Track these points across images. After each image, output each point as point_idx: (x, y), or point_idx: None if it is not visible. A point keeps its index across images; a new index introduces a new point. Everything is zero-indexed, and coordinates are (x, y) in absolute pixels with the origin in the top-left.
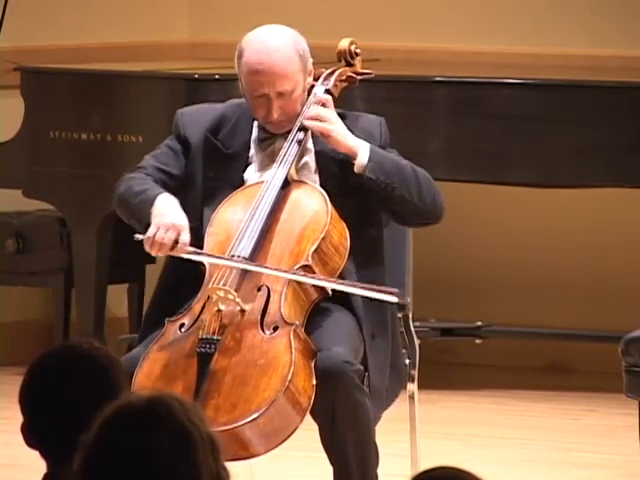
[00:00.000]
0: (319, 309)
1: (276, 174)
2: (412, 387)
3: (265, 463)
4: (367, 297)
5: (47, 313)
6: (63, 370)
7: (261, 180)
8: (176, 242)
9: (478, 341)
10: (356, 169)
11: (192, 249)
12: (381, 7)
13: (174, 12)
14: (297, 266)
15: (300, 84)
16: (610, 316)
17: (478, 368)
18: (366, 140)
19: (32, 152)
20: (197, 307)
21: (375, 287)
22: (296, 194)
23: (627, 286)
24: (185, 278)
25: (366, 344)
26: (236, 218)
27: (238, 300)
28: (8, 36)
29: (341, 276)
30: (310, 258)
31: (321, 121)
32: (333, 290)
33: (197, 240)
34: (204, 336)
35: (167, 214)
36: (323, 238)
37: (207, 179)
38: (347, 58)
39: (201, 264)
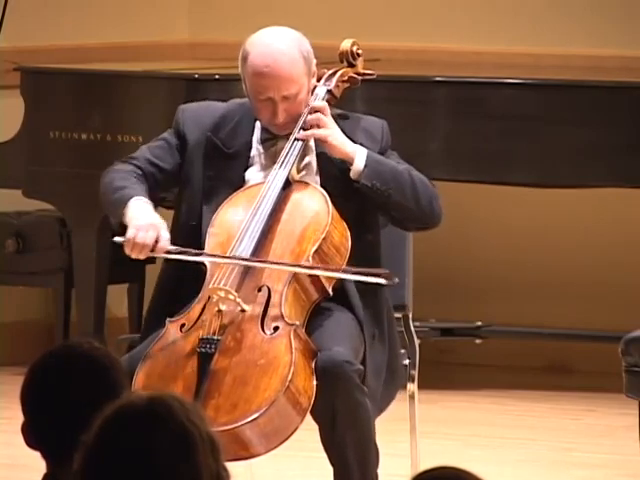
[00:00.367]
0: (320, 309)
1: (277, 175)
2: (412, 387)
3: (265, 463)
4: (356, 281)
5: (47, 313)
6: (63, 370)
7: (262, 181)
8: (156, 241)
9: (478, 341)
10: (352, 175)
11: (174, 247)
12: (381, 7)
13: (174, 12)
14: None
15: (305, 87)
16: (610, 316)
17: (478, 368)
18: (367, 141)
19: (32, 152)
20: (198, 307)
21: (363, 270)
22: (297, 195)
23: (627, 286)
24: (185, 278)
25: (366, 345)
26: (237, 219)
27: (239, 300)
28: (8, 36)
29: None
30: (311, 258)
31: (318, 126)
32: (334, 290)
33: (196, 239)
34: (204, 336)
35: (142, 217)
36: (324, 238)
37: (207, 178)
38: (349, 59)
39: (202, 264)
